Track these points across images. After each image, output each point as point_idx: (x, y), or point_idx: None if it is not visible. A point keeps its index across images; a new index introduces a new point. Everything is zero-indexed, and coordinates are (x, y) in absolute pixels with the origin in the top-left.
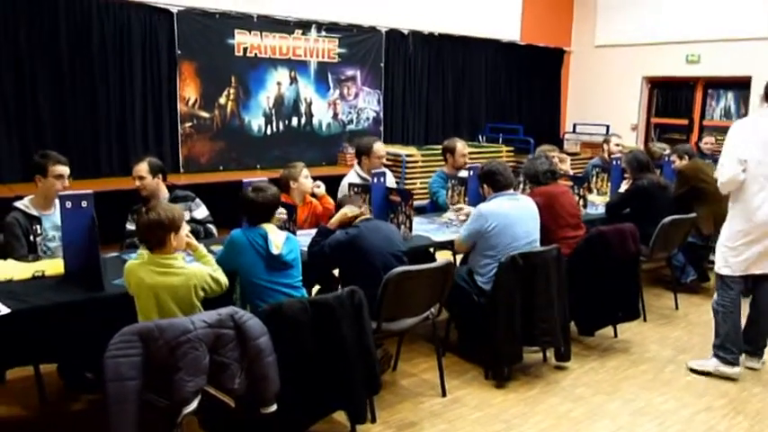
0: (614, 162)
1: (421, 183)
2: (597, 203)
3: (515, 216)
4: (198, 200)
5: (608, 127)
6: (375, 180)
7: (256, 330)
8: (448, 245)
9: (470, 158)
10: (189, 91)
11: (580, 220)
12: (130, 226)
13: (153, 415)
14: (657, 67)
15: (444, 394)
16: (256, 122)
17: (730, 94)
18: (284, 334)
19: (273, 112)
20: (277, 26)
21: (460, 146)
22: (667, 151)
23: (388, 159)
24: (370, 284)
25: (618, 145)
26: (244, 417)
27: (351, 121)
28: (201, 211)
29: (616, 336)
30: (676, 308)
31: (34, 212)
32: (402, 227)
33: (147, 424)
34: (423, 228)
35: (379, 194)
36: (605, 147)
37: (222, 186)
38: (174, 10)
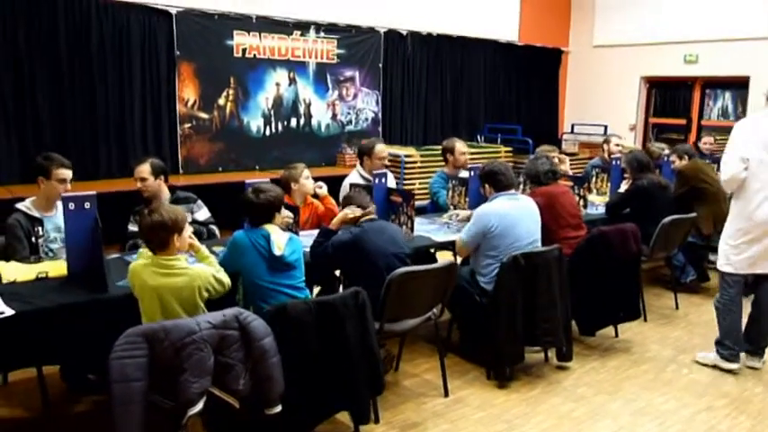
0: (614, 162)
1: (420, 183)
2: (597, 203)
3: (517, 216)
4: (199, 201)
5: (606, 127)
6: (376, 181)
7: (261, 331)
8: (449, 245)
9: (469, 159)
10: (188, 92)
11: (581, 221)
12: (133, 227)
13: (158, 416)
14: (655, 67)
15: (447, 394)
16: (255, 123)
17: (728, 94)
18: (288, 335)
19: (272, 113)
20: (276, 27)
21: (459, 145)
22: (666, 151)
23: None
24: (372, 285)
25: (618, 145)
26: (248, 417)
27: (350, 122)
28: (203, 213)
29: (617, 336)
30: (676, 308)
31: (36, 214)
32: (403, 227)
33: (152, 425)
34: (424, 228)
35: (380, 195)
36: (605, 147)
37: (221, 187)
38: (173, 11)
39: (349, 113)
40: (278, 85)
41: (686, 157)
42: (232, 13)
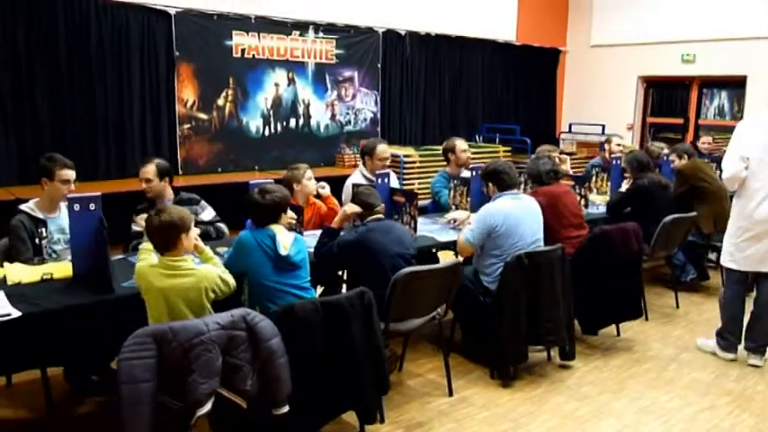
0: (614, 162)
1: (419, 183)
2: (597, 203)
3: (520, 216)
4: (203, 202)
5: (603, 126)
6: (379, 181)
7: (268, 332)
8: (451, 245)
9: (470, 158)
10: (187, 92)
11: (583, 220)
12: (136, 227)
13: (166, 417)
14: (653, 66)
15: (451, 394)
16: (254, 124)
17: (724, 93)
18: (296, 335)
19: (271, 113)
20: (275, 27)
21: (460, 143)
22: (666, 150)
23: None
24: (377, 285)
25: (619, 145)
26: (255, 418)
27: (348, 122)
28: (208, 213)
29: (619, 334)
30: (677, 306)
31: (39, 215)
32: (406, 227)
33: (161, 426)
34: (426, 228)
35: (383, 195)
36: (606, 147)
37: (221, 188)
38: (172, 11)
39: (348, 114)
40: (277, 85)
41: (686, 156)
42: (231, 13)
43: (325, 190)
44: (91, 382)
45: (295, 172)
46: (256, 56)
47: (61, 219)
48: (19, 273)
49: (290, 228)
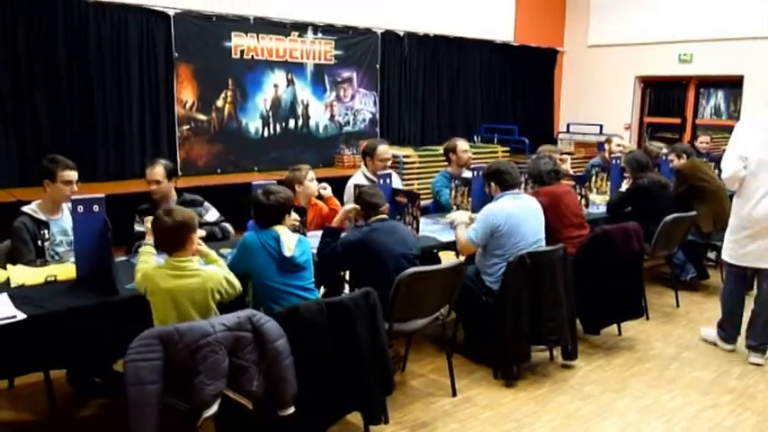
0: (614, 161)
1: (419, 184)
2: (597, 203)
3: (522, 215)
4: (206, 203)
5: (601, 126)
6: (381, 182)
7: (274, 333)
8: (453, 246)
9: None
10: (186, 93)
11: (584, 220)
12: (139, 228)
13: (172, 418)
14: (650, 66)
15: (455, 394)
16: (254, 125)
17: (720, 93)
18: (301, 336)
19: (270, 114)
20: (273, 28)
21: (461, 143)
22: (664, 150)
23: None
24: (381, 285)
25: (619, 145)
26: (261, 419)
27: (347, 123)
28: (212, 214)
29: (620, 334)
30: (677, 305)
31: (42, 217)
32: (409, 228)
33: (167, 428)
34: (428, 229)
35: (385, 196)
36: (606, 146)
37: (220, 189)
38: (171, 12)
39: (347, 114)
40: (276, 86)
41: (685, 156)
42: (230, 14)
43: (327, 191)
44: (94, 384)
45: (297, 173)
46: (255, 57)
47: (63, 220)
48: (22, 275)
49: (294, 229)
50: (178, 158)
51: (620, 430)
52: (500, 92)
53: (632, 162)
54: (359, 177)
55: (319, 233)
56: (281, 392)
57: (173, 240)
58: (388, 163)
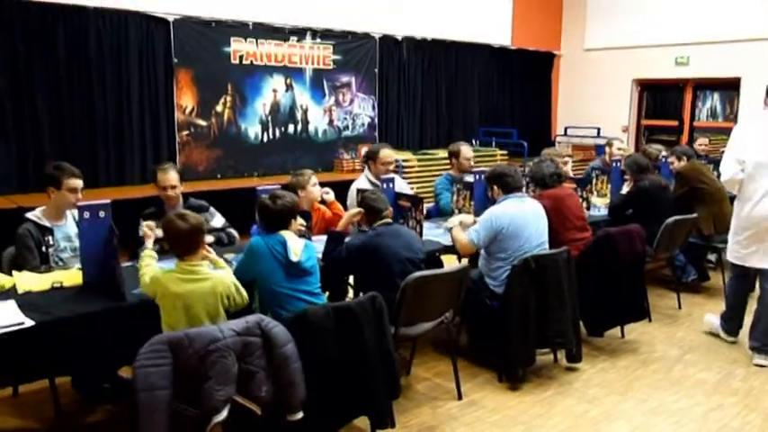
0: (614, 164)
1: (418, 188)
2: (598, 205)
3: (526, 218)
4: (212, 209)
5: (599, 129)
6: (384, 186)
7: (282, 337)
8: (454, 249)
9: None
10: (186, 99)
11: (586, 222)
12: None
13: (182, 424)
14: (647, 69)
15: (460, 397)
16: (253, 130)
17: (716, 95)
18: (308, 340)
19: (270, 119)
20: (272, 33)
21: (465, 149)
22: (664, 152)
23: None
24: (386, 289)
25: (620, 149)
26: (269, 424)
27: (346, 128)
28: (218, 219)
29: (623, 336)
30: (679, 307)
31: (46, 223)
32: (413, 232)
33: None
34: (432, 233)
35: (388, 200)
36: (607, 150)
37: (220, 194)
38: (171, 18)
39: (346, 119)
40: (275, 91)
41: (685, 158)
42: (229, 20)
43: (330, 195)
44: (100, 390)
45: (300, 178)
46: (254, 62)
47: (68, 227)
48: (29, 281)
49: (300, 234)
50: (178, 164)
51: None
52: (498, 95)
53: (633, 165)
54: (362, 182)
55: (323, 238)
56: (290, 397)
57: (186, 244)
58: (391, 167)
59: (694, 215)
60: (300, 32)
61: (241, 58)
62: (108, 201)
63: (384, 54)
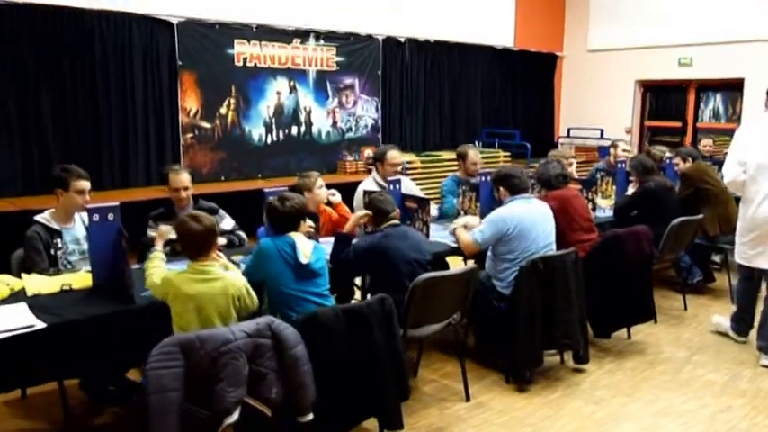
0: (619, 165)
1: (421, 189)
2: (603, 206)
3: (533, 219)
4: (221, 211)
5: (602, 131)
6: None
7: (293, 339)
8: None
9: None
10: (190, 101)
11: (592, 224)
12: (152, 233)
13: (193, 426)
14: (650, 70)
15: (468, 399)
16: (257, 132)
17: (718, 96)
18: (318, 342)
19: (273, 121)
20: (276, 35)
21: (472, 153)
22: (668, 154)
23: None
24: (394, 290)
25: (626, 151)
26: (279, 426)
27: (350, 129)
28: (228, 222)
29: (629, 337)
30: (685, 308)
31: (55, 226)
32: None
33: None
34: (438, 234)
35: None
36: (612, 151)
37: (225, 197)
38: (175, 21)
39: (349, 121)
40: (279, 93)
41: (690, 159)
42: (232, 22)
43: (336, 197)
44: (109, 392)
45: (306, 180)
46: (258, 64)
47: (76, 229)
48: (38, 284)
49: (309, 236)
50: (182, 166)
51: None
52: (500, 97)
53: (638, 166)
54: (369, 183)
55: (330, 240)
56: (300, 399)
57: (200, 245)
58: (399, 168)
59: (700, 216)
60: (304, 34)
61: (245, 60)
62: (117, 203)
63: (387, 56)
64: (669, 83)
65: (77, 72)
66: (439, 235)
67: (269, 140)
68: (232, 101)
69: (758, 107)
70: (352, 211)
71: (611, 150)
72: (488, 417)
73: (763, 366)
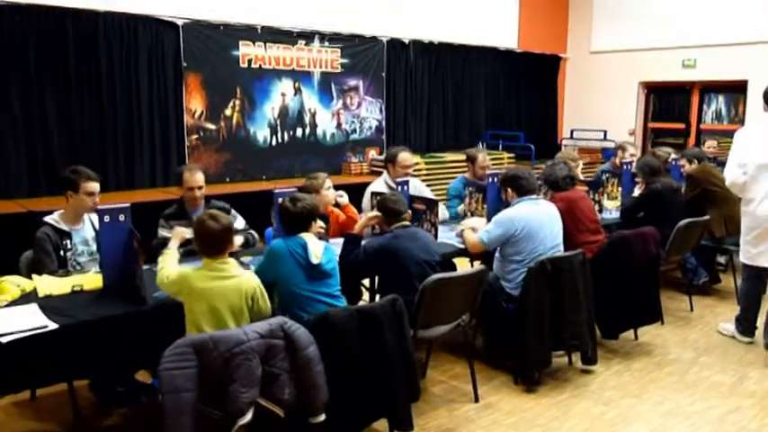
0: (625, 167)
1: None
2: (609, 208)
3: (540, 221)
4: (233, 211)
5: (605, 132)
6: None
7: (305, 340)
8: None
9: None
10: (195, 103)
11: (599, 225)
12: (164, 233)
13: (206, 427)
14: (653, 72)
15: (477, 400)
16: (262, 133)
17: (721, 98)
18: (330, 343)
19: (278, 122)
20: (280, 37)
21: (482, 158)
22: (673, 155)
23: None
24: (403, 291)
25: (633, 154)
26: (292, 427)
27: (354, 131)
28: (240, 222)
29: (637, 339)
30: (691, 310)
31: (64, 227)
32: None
33: None
34: (446, 235)
35: None
36: (619, 153)
37: (230, 198)
38: (180, 22)
39: (353, 122)
40: (283, 95)
41: (696, 160)
42: (237, 23)
43: (344, 198)
44: (117, 393)
45: (314, 181)
46: (263, 66)
47: (85, 231)
48: (49, 285)
49: (319, 236)
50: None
51: None
52: (504, 98)
53: (644, 167)
54: (380, 184)
55: (338, 241)
56: (313, 399)
57: (218, 244)
58: (410, 170)
59: (706, 217)
60: (308, 36)
61: (250, 61)
62: (128, 204)
63: (391, 57)
64: (673, 84)
65: (82, 73)
66: (446, 236)
67: (274, 142)
68: (237, 102)
69: (761, 109)
70: (360, 212)
71: (619, 153)
72: (497, 418)
73: None
